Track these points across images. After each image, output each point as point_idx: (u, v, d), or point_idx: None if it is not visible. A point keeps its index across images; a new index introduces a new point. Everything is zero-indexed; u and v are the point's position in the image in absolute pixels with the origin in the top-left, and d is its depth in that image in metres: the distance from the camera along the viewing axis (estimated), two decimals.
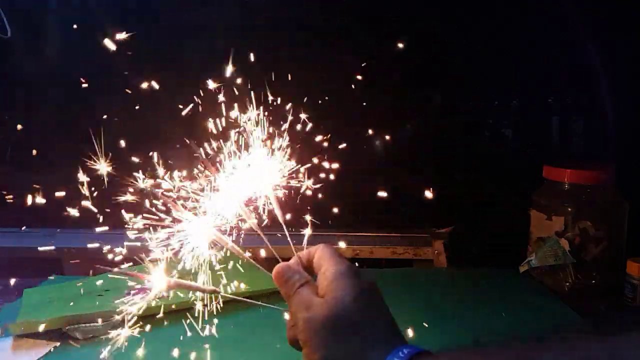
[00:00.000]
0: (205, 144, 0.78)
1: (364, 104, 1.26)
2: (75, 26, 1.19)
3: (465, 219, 1.32)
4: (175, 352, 0.85)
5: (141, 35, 0.89)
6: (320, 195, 0.86)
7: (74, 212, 0.79)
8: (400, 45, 1.19)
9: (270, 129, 0.79)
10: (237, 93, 0.82)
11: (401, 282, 1.18)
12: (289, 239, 0.71)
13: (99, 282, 1.03)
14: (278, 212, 0.73)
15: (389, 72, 1.31)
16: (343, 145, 1.01)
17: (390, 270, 1.26)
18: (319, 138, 0.93)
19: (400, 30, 1.30)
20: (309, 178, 0.82)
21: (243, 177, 0.73)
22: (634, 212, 1.13)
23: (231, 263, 0.92)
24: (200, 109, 0.87)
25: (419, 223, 1.36)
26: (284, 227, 0.72)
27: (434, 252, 1.29)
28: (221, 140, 0.78)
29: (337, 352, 0.54)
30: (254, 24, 1.29)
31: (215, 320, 0.86)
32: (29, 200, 0.85)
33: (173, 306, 0.94)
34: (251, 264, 0.73)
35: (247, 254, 0.73)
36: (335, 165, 0.90)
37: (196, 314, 0.83)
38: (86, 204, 0.76)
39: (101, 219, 0.80)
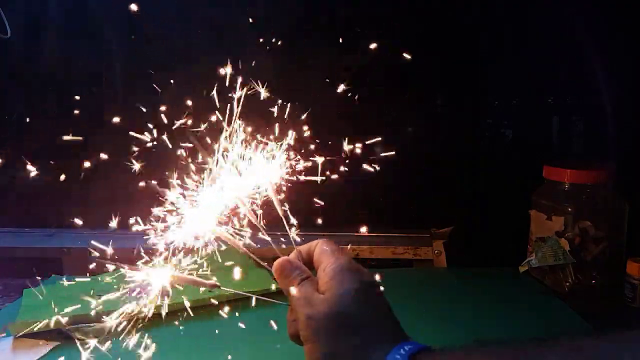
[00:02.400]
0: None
1: (364, 104, 1.26)
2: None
3: (465, 219, 1.32)
4: (175, 352, 0.85)
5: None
6: (320, 196, 0.86)
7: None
8: (399, 44, 1.19)
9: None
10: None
11: (401, 282, 1.18)
12: (291, 236, 0.71)
13: (99, 282, 1.03)
14: (278, 209, 0.72)
15: (388, 72, 1.31)
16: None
17: (390, 270, 1.26)
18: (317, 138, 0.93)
19: (400, 30, 1.30)
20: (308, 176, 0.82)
21: (244, 172, 0.73)
22: (634, 212, 1.13)
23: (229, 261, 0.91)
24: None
25: (419, 223, 1.36)
26: (285, 221, 0.72)
27: (434, 252, 1.28)
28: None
29: (339, 349, 0.54)
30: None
31: (215, 321, 0.86)
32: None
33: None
34: (250, 263, 0.73)
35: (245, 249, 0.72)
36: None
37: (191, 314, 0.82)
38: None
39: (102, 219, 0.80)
